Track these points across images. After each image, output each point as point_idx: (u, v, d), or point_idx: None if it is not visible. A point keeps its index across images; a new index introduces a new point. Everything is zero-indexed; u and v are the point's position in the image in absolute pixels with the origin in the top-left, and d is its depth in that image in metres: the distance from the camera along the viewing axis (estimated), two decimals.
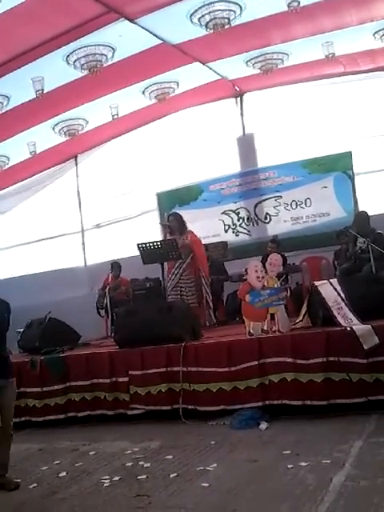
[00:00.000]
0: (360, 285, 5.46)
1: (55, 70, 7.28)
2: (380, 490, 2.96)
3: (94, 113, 9.02)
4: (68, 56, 7.08)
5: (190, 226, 7.69)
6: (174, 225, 7.53)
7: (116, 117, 9.04)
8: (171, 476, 3.64)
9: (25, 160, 9.94)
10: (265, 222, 9.85)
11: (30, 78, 7.29)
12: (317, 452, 3.69)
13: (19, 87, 7.44)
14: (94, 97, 8.50)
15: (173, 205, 10.03)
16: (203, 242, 8.18)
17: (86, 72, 7.29)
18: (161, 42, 7.46)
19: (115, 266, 9.35)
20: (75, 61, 7.13)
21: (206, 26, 6.82)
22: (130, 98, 8.85)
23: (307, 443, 3.96)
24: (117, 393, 5.48)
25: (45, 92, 7.42)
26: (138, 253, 7.24)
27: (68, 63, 7.19)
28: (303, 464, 3.50)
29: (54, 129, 9.11)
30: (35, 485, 3.85)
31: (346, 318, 4.83)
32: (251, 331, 5.17)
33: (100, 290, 9.32)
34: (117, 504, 3.32)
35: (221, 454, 4.04)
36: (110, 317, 8.55)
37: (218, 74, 8.98)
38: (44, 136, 9.21)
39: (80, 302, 9.95)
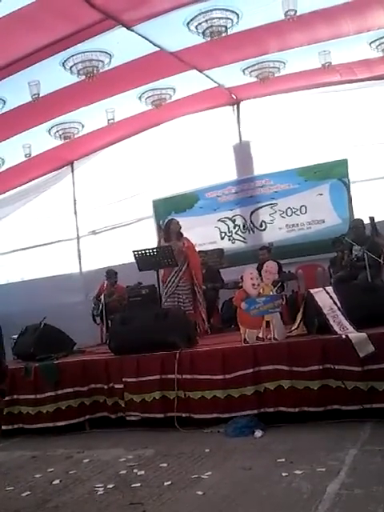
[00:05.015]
0: (355, 293, 5.46)
1: (51, 74, 7.29)
2: (374, 499, 2.94)
3: (90, 117, 9.03)
4: (65, 61, 7.09)
5: (186, 233, 7.70)
6: (172, 229, 7.53)
7: (112, 121, 9.04)
8: (165, 484, 3.62)
9: (20, 163, 9.93)
10: (260, 230, 9.88)
11: (26, 82, 7.31)
12: (311, 460, 3.68)
13: (15, 91, 7.45)
14: (90, 101, 8.51)
15: (169, 212, 10.05)
16: (199, 249, 8.22)
17: (82, 77, 7.31)
18: (158, 49, 7.49)
19: (111, 273, 9.34)
20: (72, 66, 7.15)
21: (203, 33, 6.85)
22: (126, 103, 8.86)
23: (302, 451, 3.94)
24: (113, 399, 5.46)
25: (41, 96, 7.43)
26: (133, 260, 7.24)
27: (65, 68, 7.20)
28: (298, 472, 3.49)
29: (49, 132, 9.12)
30: (28, 493, 3.81)
31: (342, 326, 4.83)
32: (247, 338, 5.16)
33: (95, 296, 9.31)
34: None
35: (215, 461, 4.02)
36: (104, 324, 8.54)
37: (215, 81, 9.02)
38: (39, 139, 9.21)
39: (75, 309, 9.96)
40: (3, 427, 5.57)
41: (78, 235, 11.42)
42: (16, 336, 7.25)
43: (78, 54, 7.01)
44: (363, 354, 4.50)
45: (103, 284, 9.31)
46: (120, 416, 5.43)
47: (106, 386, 5.50)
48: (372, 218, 7.33)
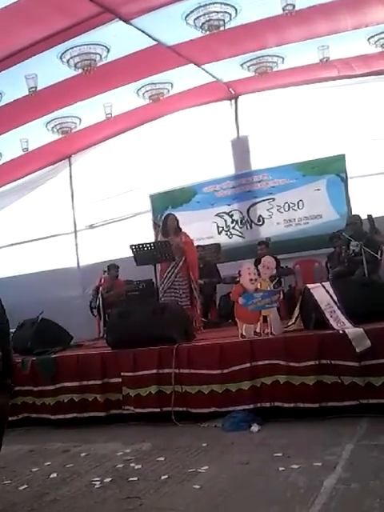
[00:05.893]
0: (353, 288, 5.47)
1: (49, 67, 7.26)
2: (371, 493, 2.96)
3: (88, 111, 9.01)
4: (62, 54, 7.06)
5: (183, 228, 7.69)
6: (170, 225, 7.53)
7: (110, 116, 9.03)
8: (162, 478, 3.63)
9: (18, 157, 9.91)
10: (258, 225, 9.88)
11: (23, 76, 7.28)
12: (308, 455, 3.69)
13: (12, 84, 7.41)
14: (88, 95, 8.49)
15: (166, 206, 10.05)
16: (196, 243, 8.19)
17: (79, 70, 7.28)
18: (155, 43, 7.46)
19: (112, 267, 9.30)
20: (69, 59, 7.12)
21: (201, 27, 6.83)
22: (124, 98, 8.84)
23: (298, 446, 3.96)
24: (109, 394, 5.46)
25: (38, 89, 7.40)
26: (130, 254, 7.23)
27: (62, 61, 7.17)
28: (294, 466, 3.50)
29: (46, 126, 9.10)
30: (26, 486, 3.82)
31: (339, 321, 4.84)
32: (244, 333, 5.17)
33: (93, 290, 9.29)
34: (107, 506, 3.31)
35: (212, 456, 4.03)
36: (102, 318, 8.53)
37: (213, 76, 8.99)
38: (37, 133, 9.19)
39: (72, 303, 9.97)
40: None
41: (75, 229, 11.41)
42: (13, 330, 7.24)
43: (75, 47, 6.98)
44: (360, 349, 4.51)
45: (101, 278, 9.26)
46: (117, 409, 5.43)
47: (102, 381, 5.50)
48: (370, 216, 7.35)
